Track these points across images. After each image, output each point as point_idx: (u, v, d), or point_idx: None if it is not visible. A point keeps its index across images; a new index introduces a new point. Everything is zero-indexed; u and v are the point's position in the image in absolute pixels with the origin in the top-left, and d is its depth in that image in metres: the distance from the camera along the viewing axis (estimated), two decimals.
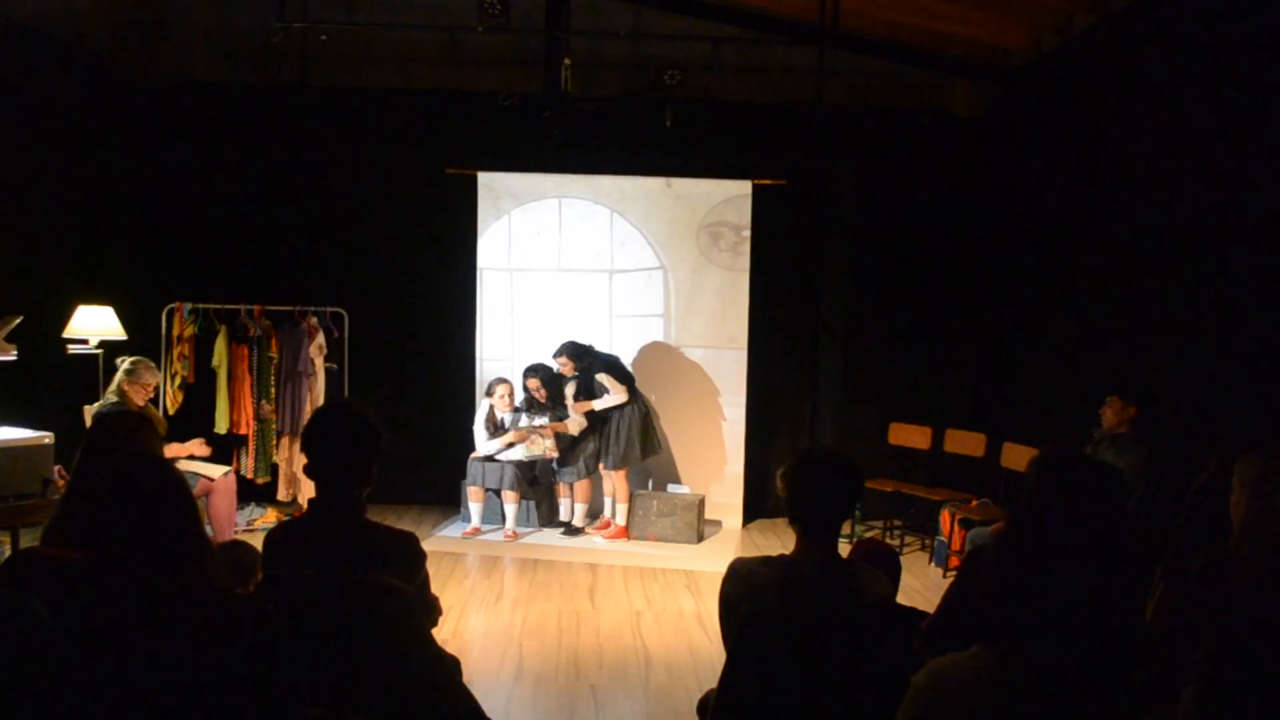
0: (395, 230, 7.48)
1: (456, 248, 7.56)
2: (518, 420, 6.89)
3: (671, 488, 7.25)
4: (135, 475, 1.98)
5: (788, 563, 2.38)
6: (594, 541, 6.79)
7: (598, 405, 6.69)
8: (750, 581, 2.38)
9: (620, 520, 6.85)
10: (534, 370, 6.85)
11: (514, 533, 6.80)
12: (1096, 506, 2.44)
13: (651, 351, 7.51)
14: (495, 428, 6.96)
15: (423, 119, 7.40)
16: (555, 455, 6.84)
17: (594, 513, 7.11)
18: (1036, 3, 5.85)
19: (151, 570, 1.89)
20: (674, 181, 7.41)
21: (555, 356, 6.80)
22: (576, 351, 6.76)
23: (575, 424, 6.76)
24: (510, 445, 6.86)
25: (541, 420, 6.81)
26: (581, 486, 6.93)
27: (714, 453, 7.50)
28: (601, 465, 6.80)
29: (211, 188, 7.34)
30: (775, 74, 7.23)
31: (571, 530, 6.93)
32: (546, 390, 6.82)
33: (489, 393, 7.02)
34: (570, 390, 6.78)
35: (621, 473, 6.78)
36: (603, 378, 6.69)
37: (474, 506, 6.91)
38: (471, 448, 7.01)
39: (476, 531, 6.86)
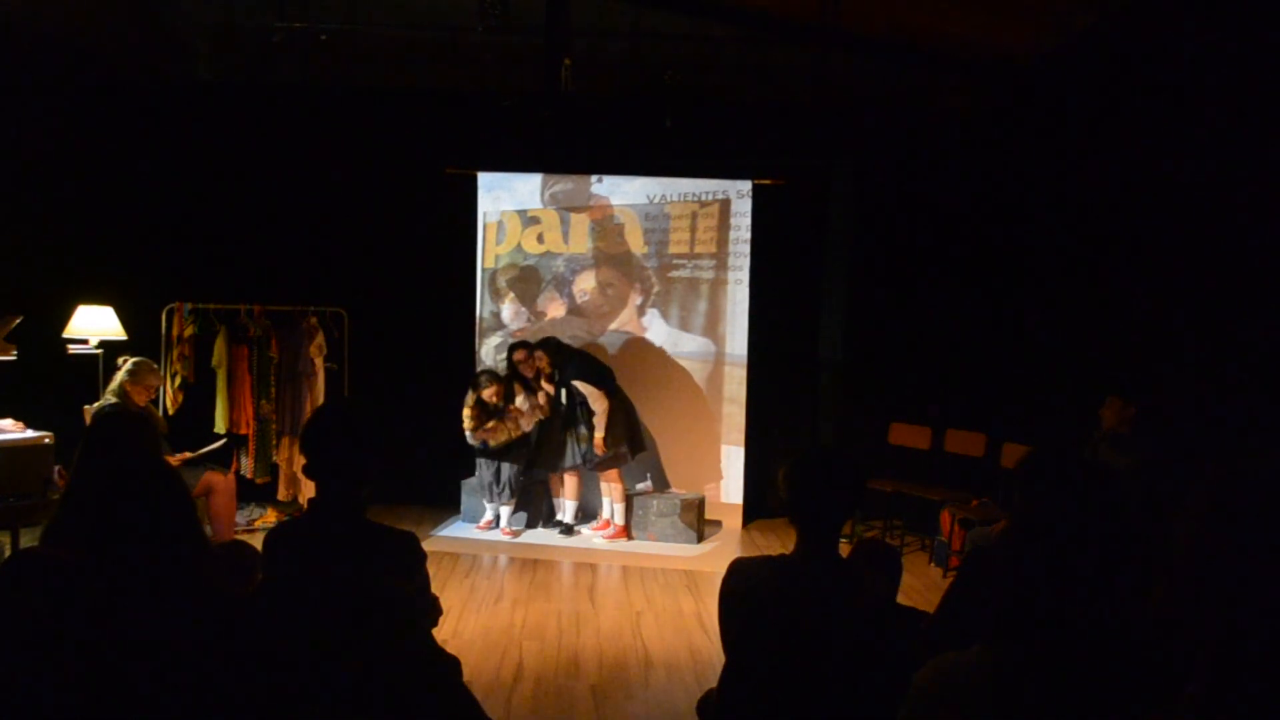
0: (395, 230, 7.48)
1: (456, 248, 7.57)
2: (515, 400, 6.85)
3: (671, 489, 7.24)
4: (135, 475, 1.97)
5: (788, 562, 2.38)
6: (593, 541, 6.79)
7: (599, 432, 6.52)
8: (750, 581, 2.38)
9: (619, 520, 6.85)
10: (520, 346, 6.84)
11: (514, 532, 6.80)
12: (1090, 506, 2.43)
13: (651, 351, 7.51)
14: (487, 416, 6.76)
15: (423, 119, 7.41)
16: (526, 430, 6.77)
17: (588, 512, 7.12)
18: (1036, 3, 5.84)
19: (151, 570, 1.88)
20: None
21: (534, 349, 6.78)
22: (555, 349, 6.73)
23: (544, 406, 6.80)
24: (483, 443, 6.78)
25: (525, 399, 6.78)
26: (571, 483, 6.93)
27: (714, 452, 7.50)
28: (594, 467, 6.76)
29: (211, 188, 7.35)
30: (775, 74, 7.23)
31: (565, 528, 6.94)
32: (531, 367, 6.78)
33: (476, 386, 6.76)
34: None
35: (615, 471, 6.77)
36: (580, 386, 6.59)
37: (479, 503, 6.95)
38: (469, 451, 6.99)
39: (489, 525, 6.90)
